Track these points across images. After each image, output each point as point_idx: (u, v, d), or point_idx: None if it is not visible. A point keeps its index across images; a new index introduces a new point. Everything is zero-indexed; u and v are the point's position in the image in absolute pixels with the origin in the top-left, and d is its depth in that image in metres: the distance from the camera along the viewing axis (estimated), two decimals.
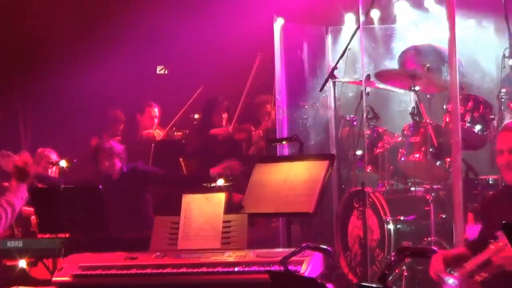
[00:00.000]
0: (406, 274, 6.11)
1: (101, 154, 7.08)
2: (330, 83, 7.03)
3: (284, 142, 7.24)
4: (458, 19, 5.69)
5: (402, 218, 6.54)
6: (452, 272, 4.10)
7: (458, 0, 5.62)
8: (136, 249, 5.26)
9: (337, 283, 5.79)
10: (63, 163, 7.07)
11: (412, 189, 6.92)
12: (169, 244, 5.21)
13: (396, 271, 6.09)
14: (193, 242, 5.18)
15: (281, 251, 4.99)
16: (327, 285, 3.34)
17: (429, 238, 6.21)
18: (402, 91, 7.35)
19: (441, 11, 7.34)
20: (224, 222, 5.18)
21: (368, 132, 6.86)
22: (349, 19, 8.17)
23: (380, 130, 7.05)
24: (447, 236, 6.13)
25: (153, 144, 8.18)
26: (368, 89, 6.76)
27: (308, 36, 8.18)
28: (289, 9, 7.73)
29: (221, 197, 5.32)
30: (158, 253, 5.09)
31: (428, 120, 6.43)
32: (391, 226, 6.41)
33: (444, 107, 6.63)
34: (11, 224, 4.75)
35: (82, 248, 5.68)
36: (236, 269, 4.78)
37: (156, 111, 8.59)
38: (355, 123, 7.06)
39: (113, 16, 9.01)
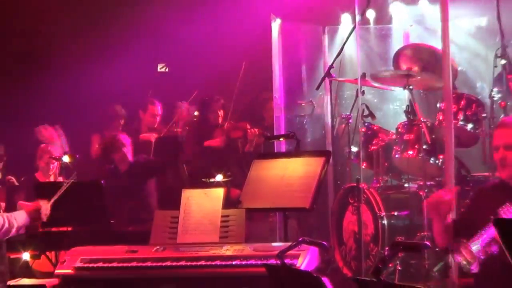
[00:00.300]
0: (399, 268, 6.15)
1: (114, 145, 7.23)
2: (326, 82, 7.09)
3: (281, 139, 7.32)
4: (452, 19, 5.79)
5: (396, 213, 6.58)
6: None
7: (451, 0, 5.74)
8: (137, 242, 5.30)
9: (332, 277, 5.85)
10: (66, 159, 7.09)
11: (406, 185, 6.94)
12: (168, 238, 5.24)
13: (390, 265, 6.12)
14: (192, 236, 5.21)
15: (278, 245, 5.10)
16: (322, 278, 3.34)
17: (422, 233, 6.26)
18: (397, 88, 7.43)
19: (435, 11, 7.44)
20: (222, 216, 5.22)
21: (363, 129, 6.93)
22: (346, 19, 8.25)
23: (375, 128, 7.10)
24: None
25: (153, 141, 8.23)
26: (364, 88, 6.82)
27: (305, 35, 8.23)
28: (287, 9, 7.81)
29: (220, 192, 5.37)
30: (158, 247, 5.12)
31: (421, 118, 6.46)
32: (385, 222, 6.43)
33: (438, 105, 6.68)
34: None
35: (84, 241, 5.75)
36: (234, 262, 4.83)
37: (158, 109, 8.56)
38: (350, 120, 7.08)
39: (114, 16, 9.05)
